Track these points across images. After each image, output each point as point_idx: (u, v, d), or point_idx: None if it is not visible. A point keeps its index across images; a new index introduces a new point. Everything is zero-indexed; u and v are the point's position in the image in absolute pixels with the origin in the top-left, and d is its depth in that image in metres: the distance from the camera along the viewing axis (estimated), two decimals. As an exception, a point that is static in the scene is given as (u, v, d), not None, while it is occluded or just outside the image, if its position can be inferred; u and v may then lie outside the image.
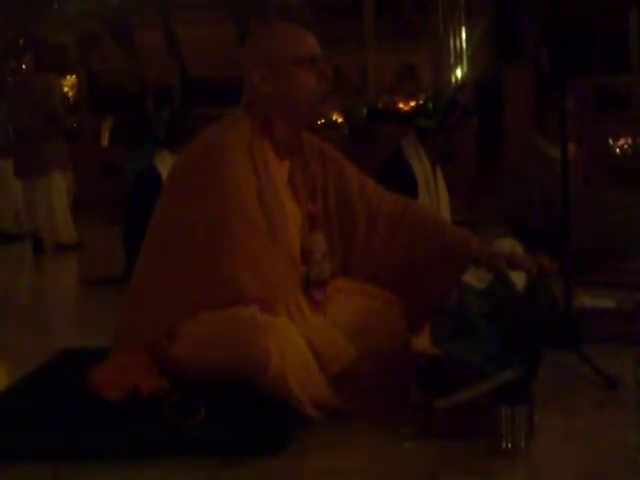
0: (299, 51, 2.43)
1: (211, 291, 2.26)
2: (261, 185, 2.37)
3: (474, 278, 2.35)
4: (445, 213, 4.09)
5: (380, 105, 9.99)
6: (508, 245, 2.63)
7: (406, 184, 3.70)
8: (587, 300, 3.27)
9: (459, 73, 9.66)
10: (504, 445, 1.95)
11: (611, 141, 8.90)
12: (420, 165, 3.96)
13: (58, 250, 6.76)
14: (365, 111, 8.00)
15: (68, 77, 10.79)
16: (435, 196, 3.97)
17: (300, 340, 2.20)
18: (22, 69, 10.21)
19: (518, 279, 2.37)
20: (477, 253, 2.47)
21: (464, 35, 9.65)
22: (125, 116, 7.65)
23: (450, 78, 9.59)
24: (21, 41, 10.68)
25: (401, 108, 9.94)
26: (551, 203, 4.23)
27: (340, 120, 7.85)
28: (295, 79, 2.42)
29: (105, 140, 10.39)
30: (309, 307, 2.34)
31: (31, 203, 6.90)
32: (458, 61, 9.67)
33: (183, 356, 2.24)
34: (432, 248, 2.54)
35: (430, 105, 3.98)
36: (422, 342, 2.41)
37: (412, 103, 9.79)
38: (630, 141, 8.89)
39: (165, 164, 4.58)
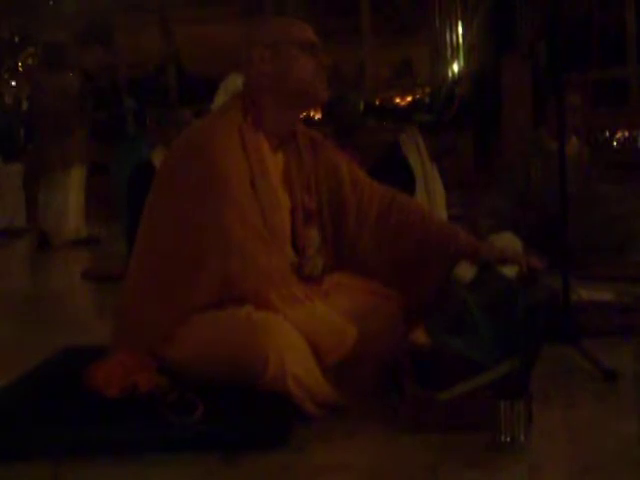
0: (300, 36, 2.43)
1: (203, 285, 2.24)
2: (254, 173, 2.35)
3: (468, 270, 2.35)
4: (441, 208, 4.10)
5: (377, 100, 9.99)
6: (506, 240, 2.64)
7: (403, 179, 3.70)
8: (585, 293, 3.27)
9: (456, 68, 9.66)
10: (503, 439, 1.95)
11: (608, 134, 8.90)
12: (418, 160, 3.96)
13: (73, 245, 6.83)
14: (362, 106, 7.98)
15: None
16: (432, 190, 3.97)
17: (298, 337, 2.19)
18: (18, 67, 10.22)
19: (510, 273, 2.37)
20: (464, 246, 2.48)
21: (461, 29, 9.66)
22: (103, 113, 7.72)
23: (447, 73, 9.60)
24: (17, 39, 10.68)
25: (398, 103, 9.94)
26: (550, 197, 4.22)
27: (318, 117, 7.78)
28: (295, 61, 2.41)
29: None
30: (304, 293, 2.32)
31: (47, 198, 6.97)
32: (455, 56, 9.67)
33: (180, 359, 2.23)
34: (420, 240, 2.53)
35: (427, 99, 3.98)
36: (419, 336, 2.41)
37: (409, 98, 9.79)
38: (627, 134, 8.89)
39: (161, 159, 4.57)
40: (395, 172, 3.67)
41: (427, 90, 9.43)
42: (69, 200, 6.92)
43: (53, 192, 6.91)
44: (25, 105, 9.86)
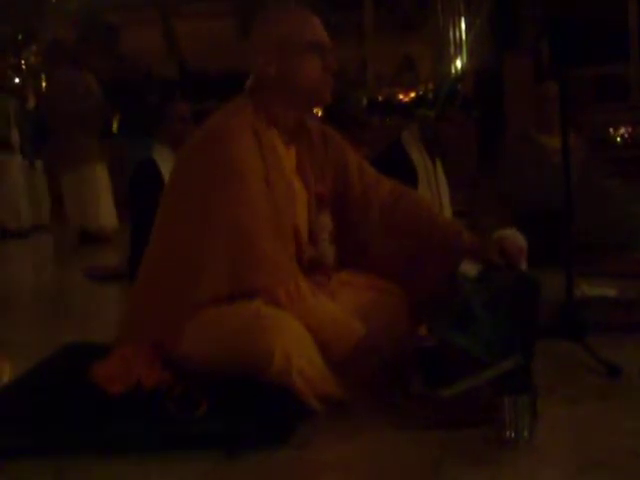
0: (306, 38, 2.41)
1: (212, 279, 2.25)
2: (268, 167, 2.36)
3: (472, 268, 2.35)
4: (446, 204, 4.09)
5: (380, 97, 9.99)
6: (509, 237, 2.63)
7: (405, 175, 3.70)
8: (589, 289, 3.27)
9: (459, 64, 9.65)
10: (507, 434, 1.94)
11: (611, 130, 8.89)
12: (420, 156, 3.96)
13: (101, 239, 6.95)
14: (365, 102, 7.99)
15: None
16: (435, 187, 3.97)
17: (304, 332, 2.19)
18: (21, 65, 10.23)
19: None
20: (469, 245, 2.48)
21: (464, 26, 9.65)
22: (126, 110, 7.79)
23: (450, 69, 9.59)
24: (20, 37, 10.69)
25: (401, 99, 9.94)
26: (549, 193, 4.20)
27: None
28: (299, 66, 2.41)
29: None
30: (311, 290, 2.32)
31: (77, 195, 7.04)
32: (458, 52, 9.66)
33: (187, 352, 2.23)
34: (424, 237, 2.54)
35: (431, 96, 3.98)
36: (422, 333, 2.41)
37: (412, 94, 9.79)
38: (630, 130, 8.89)
39: (163, 157, 4.56)
40: (397, 168, 3.66)
41: (430, 86, 9.43)
42: (100, 195, 7.05)
43: (84, 188, 7.01)
44: (32, 102, 9.89)
